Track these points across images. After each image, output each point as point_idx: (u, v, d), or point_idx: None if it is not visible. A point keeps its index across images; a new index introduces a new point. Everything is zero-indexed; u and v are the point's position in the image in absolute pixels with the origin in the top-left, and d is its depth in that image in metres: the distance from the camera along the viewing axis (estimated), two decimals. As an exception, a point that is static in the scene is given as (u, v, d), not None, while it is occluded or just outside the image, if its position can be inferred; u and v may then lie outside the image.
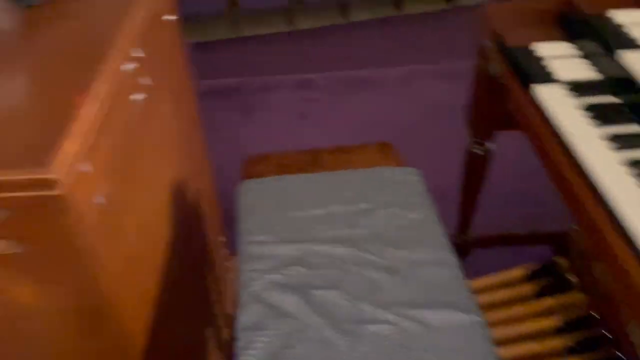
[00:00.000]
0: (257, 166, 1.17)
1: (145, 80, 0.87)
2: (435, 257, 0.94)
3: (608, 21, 1.00)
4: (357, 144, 1.20)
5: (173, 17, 1.04)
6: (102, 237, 0.68)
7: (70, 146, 0.60)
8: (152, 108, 0.91)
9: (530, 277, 1.39)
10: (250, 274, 0.95)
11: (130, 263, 0.78)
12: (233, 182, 1.63)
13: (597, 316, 1.29)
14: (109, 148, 0.72)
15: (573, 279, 1.38)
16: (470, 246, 1.46)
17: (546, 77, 0.93)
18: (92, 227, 0.65)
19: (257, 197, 1.09)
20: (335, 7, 3.46)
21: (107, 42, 0.75)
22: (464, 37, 2.93)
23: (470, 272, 1.04)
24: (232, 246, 1.54)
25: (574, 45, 1.02)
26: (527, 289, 1.37)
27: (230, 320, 1.45)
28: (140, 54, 0.84)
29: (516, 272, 1.43)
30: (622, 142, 0.80)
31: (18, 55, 0.74)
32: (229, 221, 1.61)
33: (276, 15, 3.34)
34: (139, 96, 0.84)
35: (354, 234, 1.00)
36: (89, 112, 0.65)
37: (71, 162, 0.59)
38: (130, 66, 0.79)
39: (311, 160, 1.16)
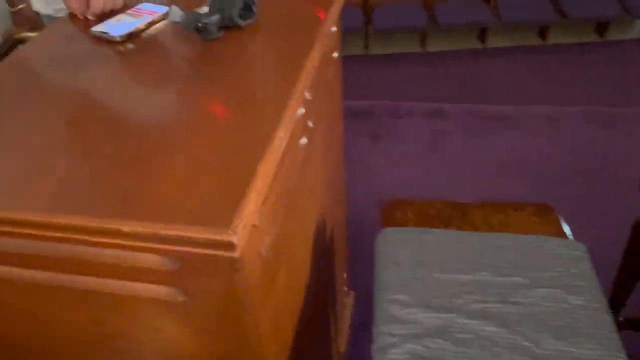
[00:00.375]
0: (397, 212, 1.11)
1: (310, 123, 0.85)
2: (603, 356, 0.82)
3: None
4: (512, 200, 1.09)
5: (337, 54, 1.01)
6: (260, 290, 0.66)
7: (249, 205, 0.57)
8: (311, 149, 0.88)
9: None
10: (387, 338, 0.88)
11: (277, 314, 0.75)
12: (358, 210, 1.58)
13: None
14: (275, 197, 0.69)
15: None
16: (619, 327, 1.29)
17: None
18: (255, 281, 0.63)
19: (397, 248, 1.02)
20: (472, 30, 3.32)
21: (287, 86, 0.73)
22: (617, 75, 2.66)
23: None
24: (349, 282, 1.49)
25: None
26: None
27: (343, 359, 1.41)
28: (309, 96, 0.81)
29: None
30: None
31: (201, 93, 0.74)
32: (350, 254, 1.57)
33: (409, 35, 3.27)
34: (304, 140, 0.81)
35: (505, 312, 0.90)
36: (268, 165, 0.62)
37: (249, 222, 0.57)
38: (302, 110, 0.77)
39: (458, 215, 1.07)
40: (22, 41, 1.72)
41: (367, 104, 2.24)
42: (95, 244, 0.59)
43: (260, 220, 0.63)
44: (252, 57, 0.80)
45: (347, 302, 1.45)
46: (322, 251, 1.05)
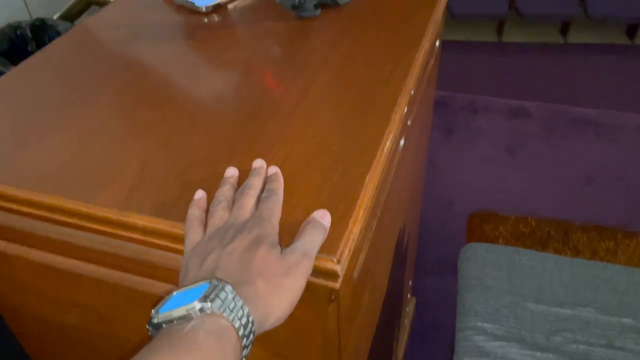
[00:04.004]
0: (486, 226, 0.99)
1: (409, 121, 0.74)
2: None
3: None
4: (618, 225, 0.96)
5: (439, 43, 0.90)
6: (348, 318, 0.56)
7: (355, 227, 0.48)
8: (406, 150, 0.77)
9: None
10: (473, 371, 0.78)
11: (357, 340, 0.66)
12: (426, 209, 1.46)
13: None
14: (369, 211, 0.60)
15: None
16: None
17: None
18: (345, 309, 0.54)
19: (485, 268, 0.91)
20: (554, 22, 3.08)
21: (395, 81, 0.62)
22: None
23: None
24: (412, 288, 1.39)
25: None
26: None
27: (399, 370, 1.31)
28: (412, 91, 0.70)
29: None
30: None
31: (297, 81, 0.64)
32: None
33: (485, 23, 3.08)
34: (402, 141, 0.71)
35: (612, 358, 0.78)
36: (375, 176, 0.52)
37: (352, 245, 0.47)
38: (405, 109, 0.66)
39: (559, 236, 0.95)
40: (94, 2, 1.68)
41: (440, 94, 2.10)
42: (171, 250, 0.51)
43: (358, 239, 0.53)
44: (354, 43, 0.69)
45: (408, 310, 1.35)
46: (400, 261, 0.95)
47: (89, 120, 0.60)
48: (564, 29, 3.02)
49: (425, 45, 0.69)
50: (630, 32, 2.98)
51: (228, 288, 0.38)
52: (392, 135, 0.57)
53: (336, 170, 0.52)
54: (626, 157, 1.79)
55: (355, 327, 0.62)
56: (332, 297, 0.48)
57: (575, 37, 3.00)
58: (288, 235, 0.46)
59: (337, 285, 0.46)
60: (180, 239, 0.48)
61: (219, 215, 0.46)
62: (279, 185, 0.49)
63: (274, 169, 0.51)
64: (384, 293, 0.84)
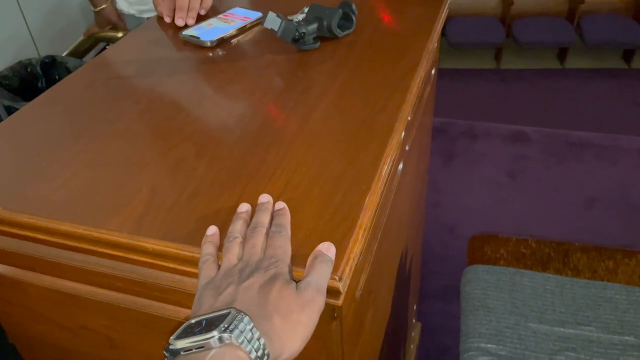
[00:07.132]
0: (487, 248, 1.01)
1: (407, 146, 0.77)
2: None
3: None
4: (619, 245, 0.97)
5: (435, 71, 0.93)
6: (351, 337, 0.58)
7: (356, 246, 0.50)
8: (405, 174, 0.80)
9: None
10: (478, 392, 0.78)
11: (361, 361, 0.67)
12: (425, 237, 1.48)
13: None
14: (372, 230, 0.62)
15: None
16: None
17: None
18: (348, 327, 0.55)
19: (486, 289, 0.92)
20: (551, 49, 3.14)
21: (392, 108, 0.65)
22: None
23: None
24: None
25: None
26: None
27: (406, 396, 1.31)
28: (409, 117, 0.73)
29: None
30: None
31: (298, 111, 0.67)
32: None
33: (484, 51, 3.14)
34: (400, 166, 0.73)
35: (617, 376, 0.78)
36: (374, 198, 0.55)
37: (353, 264, 0.49)
38: (403, 134, 0.69)
39: (559, 257, 0.96)
40: (103, 39, 1.73)
41: (439, 121, 2.13)
42: (178, 272, 0.53)
43: (359, 259, 0.55)
44: (352, 73, 0.73)
45: (414, 335, 1.35)
46: (403, 284, 0.97)
47: (101, 151, 0.63)
48: (561, 55, 3.08)
49: (420, 73, 0.72)
50: (627, 57, 3.03)
51: (246, 319, 0.39)
52: (390, 159, 0.60)
53: (337, 193, 0.54)
54: (625, 179, 1.80)
55: (358, 347, 0.64)
56: (335, 314, 0.50)
57: (573, 62, 3.06)
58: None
59: (339, 302, 0.47)
60: (187, 261, 0.50)
61: (234, 251, 0.48)
62: (287, 220, 0.50)
63: (281, 204, 0.52)
64: (388, 316, 0.86)
